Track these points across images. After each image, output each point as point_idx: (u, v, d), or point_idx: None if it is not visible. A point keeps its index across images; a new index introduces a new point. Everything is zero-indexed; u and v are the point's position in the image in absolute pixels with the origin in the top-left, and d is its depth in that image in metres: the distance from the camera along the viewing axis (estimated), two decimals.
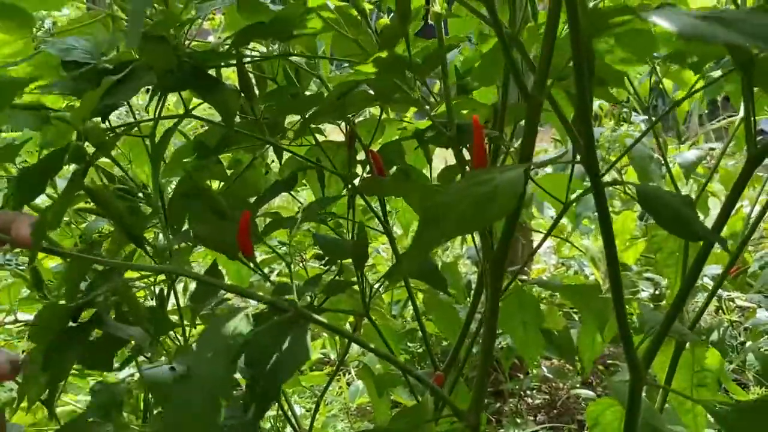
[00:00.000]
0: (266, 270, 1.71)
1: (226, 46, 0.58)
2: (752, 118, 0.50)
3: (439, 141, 0.61)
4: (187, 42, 0.61)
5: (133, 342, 0.59)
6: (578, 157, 0.46)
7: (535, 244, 2.47)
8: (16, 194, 0.55)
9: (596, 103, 2.02)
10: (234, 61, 0.62)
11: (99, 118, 0.56)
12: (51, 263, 1.14)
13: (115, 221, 0.57)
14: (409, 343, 2.00)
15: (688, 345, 0.90)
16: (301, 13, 0.54)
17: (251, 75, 0.73)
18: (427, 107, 0.54)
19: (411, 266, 0.57)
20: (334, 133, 0.86)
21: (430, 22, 0.59)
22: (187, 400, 0.43)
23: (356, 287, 0.65)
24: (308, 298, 0.62)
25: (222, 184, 0.84)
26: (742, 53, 0.47)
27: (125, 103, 0.67)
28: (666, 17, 0.30)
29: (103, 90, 0.49)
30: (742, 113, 0.85)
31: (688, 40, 0.31)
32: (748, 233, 0.78)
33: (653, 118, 1.66)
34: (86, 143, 0.55)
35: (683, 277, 1.05)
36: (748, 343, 1.77)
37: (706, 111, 2.51)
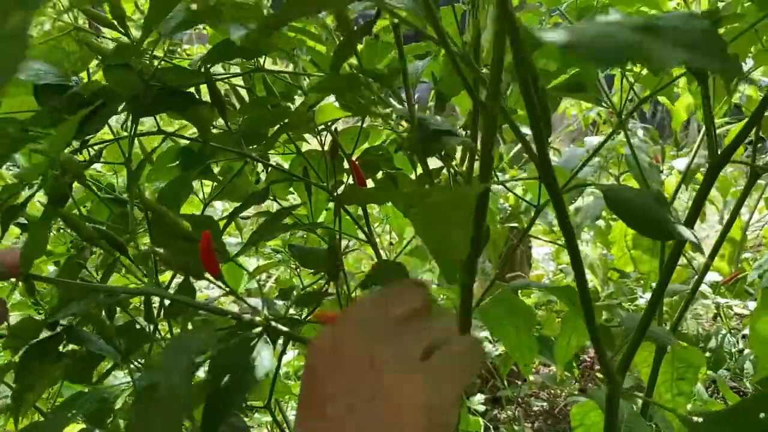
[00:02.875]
0: (263, 276, 1.73)
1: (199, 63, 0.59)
2: (713, 126, 0.51)
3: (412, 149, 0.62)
4: (174, 49, 0.62)
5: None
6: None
7: (534, 251, 2.47)
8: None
9: (594, 111, 2.02)
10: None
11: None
12: (51, 267, 1.15)
13: (91, 241, 0.58)
14: None
15: None
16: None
17: (238, 87, 0.74)
18: (394, 118, 0.55)
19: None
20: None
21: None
22: (150, 420, 0.43)
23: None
24: (289, 309, 0.63)
25: (214, 186, 0.86)
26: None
27: None
28: (592, 37, 0.29)
29: (76, 122, 0.50)
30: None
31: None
32: (721, 233, 0.78)
33: (640, 125, 1.65)
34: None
35: (661, 271, 1.05)
36: (746, 351, 1.76)
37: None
